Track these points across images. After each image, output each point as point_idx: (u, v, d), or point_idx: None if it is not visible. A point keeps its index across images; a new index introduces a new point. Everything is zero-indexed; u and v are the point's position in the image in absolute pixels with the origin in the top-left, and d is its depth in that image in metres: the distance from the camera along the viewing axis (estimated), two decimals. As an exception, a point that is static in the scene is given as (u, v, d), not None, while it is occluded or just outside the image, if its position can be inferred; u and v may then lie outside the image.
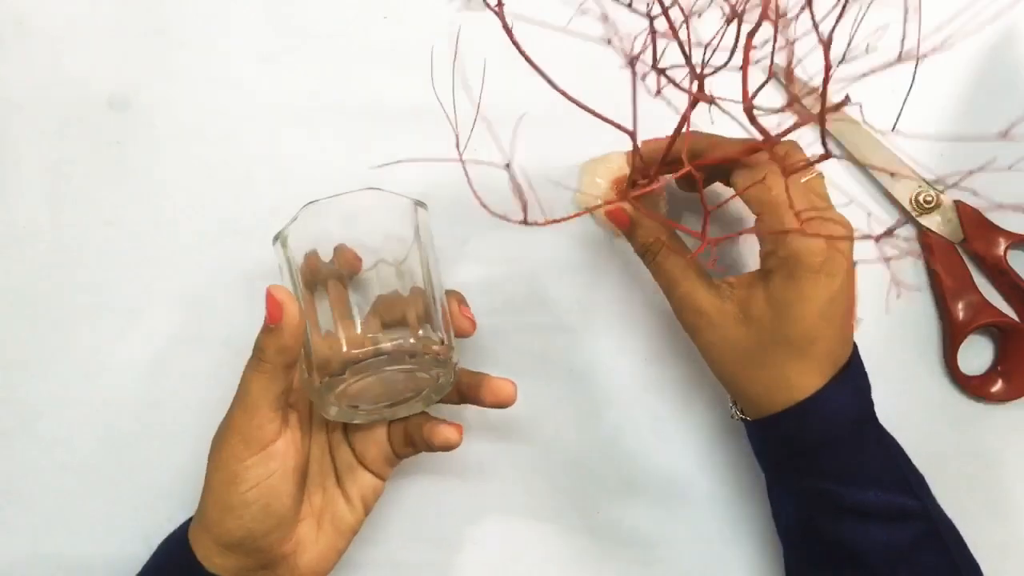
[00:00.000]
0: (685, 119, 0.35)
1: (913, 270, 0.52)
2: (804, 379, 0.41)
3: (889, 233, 0.32)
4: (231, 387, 0.52)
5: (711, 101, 0.33)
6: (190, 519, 0.44)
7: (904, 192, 0.51)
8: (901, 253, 0.33)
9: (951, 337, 0.51)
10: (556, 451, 0.52)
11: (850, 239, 0.40)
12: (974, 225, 0.51)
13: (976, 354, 0.52)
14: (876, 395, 0.52)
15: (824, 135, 0.31)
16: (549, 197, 0.50)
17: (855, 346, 0.43)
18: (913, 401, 0.52)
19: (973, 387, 0.51)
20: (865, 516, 0.41)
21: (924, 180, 0.52)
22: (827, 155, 0.32)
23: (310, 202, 0.42)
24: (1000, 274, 0.51)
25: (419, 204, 0.44)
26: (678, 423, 0.52)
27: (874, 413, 0.43)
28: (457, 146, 0.36)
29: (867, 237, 0.32)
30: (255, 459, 0.41)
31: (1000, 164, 0.52)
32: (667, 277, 0.44)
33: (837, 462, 0.41)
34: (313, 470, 0.45)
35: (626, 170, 0.48)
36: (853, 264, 0.40)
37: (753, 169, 0.41)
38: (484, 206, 0.34)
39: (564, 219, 0.37)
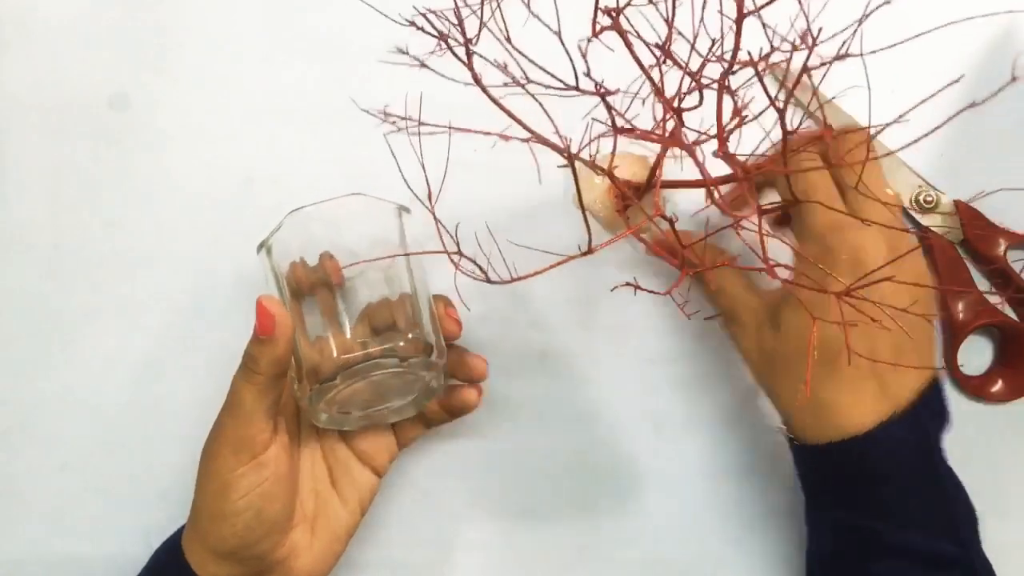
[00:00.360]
0: (658, 163, 0.35)
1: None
2: (834, 396, 0.40)
3: (848, 292, 0.32)
4: (229, 386, 0.52)
5: (684, 147, 0.32)
6: (183, 527, 0.44)
7: (904, 192, 0.51)
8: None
9: (951, 337, 0.51)
10: (557, 451, 0.52)
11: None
12: (974, 225, 0.51)
13: (976, 354, 0.52)
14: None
15: (789, 184, 0.32)
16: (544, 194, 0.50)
17: (937, 382, 0.42)
18: (913, 401, 0.52)
19: (973, 387, 0.51)
20: (902, 558, 0.40)
21: (924, 180, 0.52)
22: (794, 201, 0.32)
23: (294, 209, 0.42)
24: (1000, 274, 0.51)
25: (403, 208, 0.44)
26: (680, 423, 0.52)
27: (937, 450, 0.42)
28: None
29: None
30: (246, 468, 0.40)
31: (999, 162, 0.53)
32: (715, 285, 0.45)
33: (883, 500, 0.40)
34: (304, 474, 0.45)
35: (624, 171, 0.48)
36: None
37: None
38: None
39: (610, 241, 0.37)
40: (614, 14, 0.29)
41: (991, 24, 0.53)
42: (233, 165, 0.53)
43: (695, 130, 0.35)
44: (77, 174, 0.53)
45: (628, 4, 0.30)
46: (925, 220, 0.51)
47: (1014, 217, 0.51)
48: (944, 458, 0.42)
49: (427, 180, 0.36)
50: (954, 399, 0.52)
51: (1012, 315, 0.51)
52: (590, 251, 0.33)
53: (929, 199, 0.51)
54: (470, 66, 0.32)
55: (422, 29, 0.32)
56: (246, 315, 0.52)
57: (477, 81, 0.32)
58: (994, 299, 0.51)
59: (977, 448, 0.51)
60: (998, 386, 0.51)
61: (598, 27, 0.30)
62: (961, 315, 0.50)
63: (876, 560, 0.40)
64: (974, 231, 0.51)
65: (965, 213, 0.51)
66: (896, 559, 0.40)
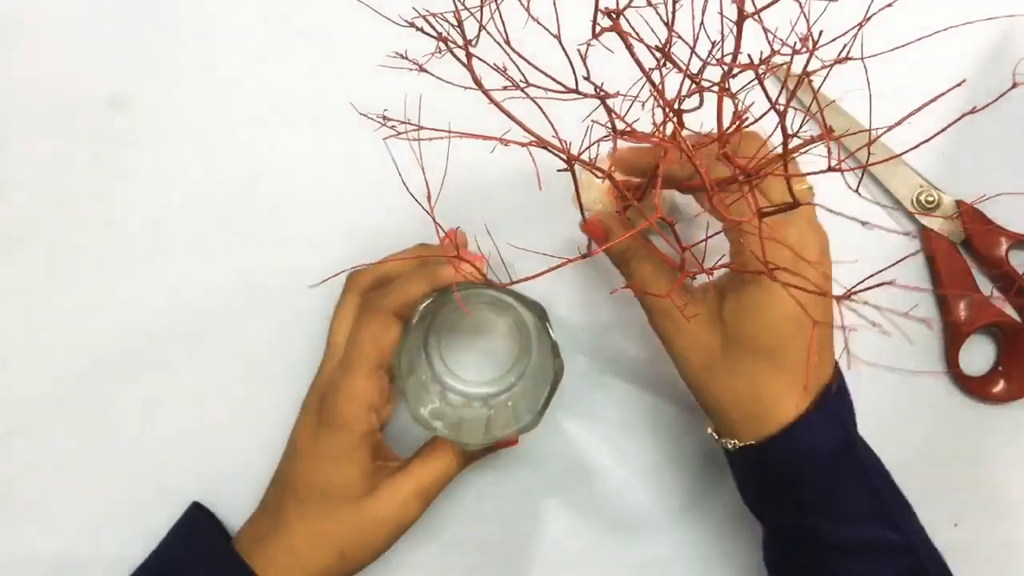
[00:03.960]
0: (657, 165, 0.34)
1: (915, 270, 0.52)
2: (778, 391, 0.39)
3: (848, 295, 0.32)
4: (230, 386, 0.52)
5: (684, 150, 0.32)
6: (215, 537, 0.45)
7: (905, 192, 0.51)
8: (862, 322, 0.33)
9: (952, 337, 0.51)
10: (559, 451, 0.52)
11: (823, 294, 0.38)
12: (975, 225, 0.51)
13: (977, 354, 0.52)
14: (879, 396, 0.52)
15: (791, 187, 0.31)
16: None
17: (840, 373, 0.42)
18: (914, 402, 0.52)
19: (974, 387, 0.51)
20: (848, 552, 0.40)
21: (925, 180, 0.51)
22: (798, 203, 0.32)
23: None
24: (1002, 274, 0.51)
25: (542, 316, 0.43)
26: (678, 422, 0.52)
27: (857, 441, 0.42)
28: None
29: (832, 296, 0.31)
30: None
31: (1000, 162, 0.53)
32: (639, 282, 0.42)
33: (817, 496, 0.40)
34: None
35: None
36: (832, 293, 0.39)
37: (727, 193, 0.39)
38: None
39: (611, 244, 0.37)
40: (614, 15, 0.29)
41: (992, 26, 0.53)
42: (233, 165, 0.53)
43: (694, 131, 0.34)
44: (77, 174, 0.53)
45: (628, 5, 0.29)
46: (926, 220, 0.51)
47: (1015, 217, 0.51)
48: (868, 448, 0.42)
49: (427, 182, 0.36)
50: (956, 399, 0.52)
51: (1014, 315, 0.51)
52: (589, 254, 0.33)
53: (930, 199, 0.51)
54: (470, 68, 0.32)
55: (421, 30, 0.32)
56: (245, 314, 0.52)
57: (478, 83, 0.32)
58: (996, 299, 0.51)
59: (978, 448, 0.51)
60: (1000, 386, 0.51)
61: (598, 29, 0.29)
62: (962, 315, 0.50)
63: (825, 557, 0.40)
64: (975, 231, 0.51)
65: (966, 213, 0.51)
66: (842, 553, 0.40)
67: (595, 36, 0.30)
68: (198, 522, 0.47)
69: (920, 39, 0.36)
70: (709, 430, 0.44)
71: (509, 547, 0.52)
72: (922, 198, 0.51)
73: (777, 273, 0.34)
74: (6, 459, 0.51)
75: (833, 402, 0.40)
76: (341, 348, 0.44)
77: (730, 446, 0.41)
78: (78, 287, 0.52)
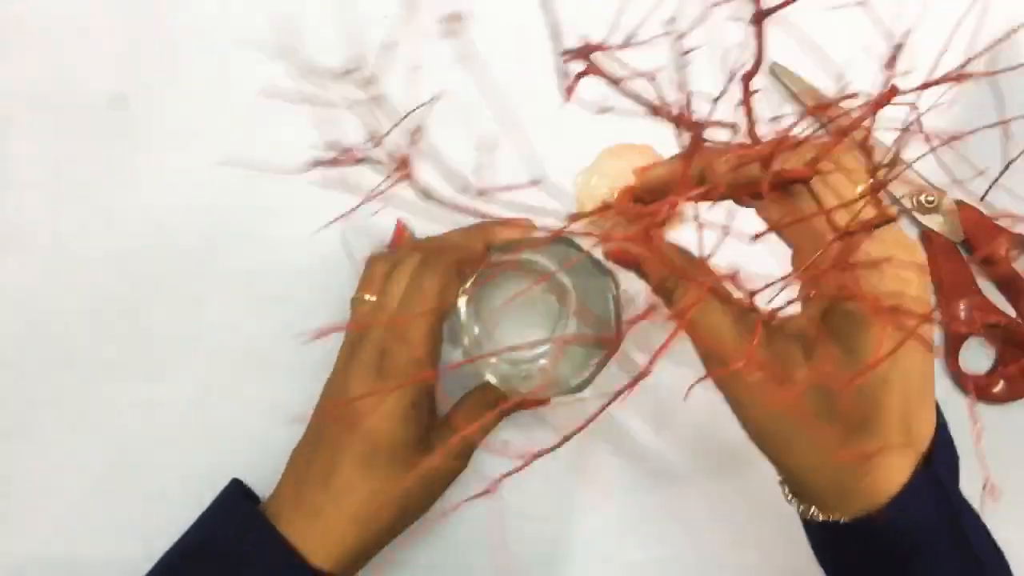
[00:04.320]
0: (687, 161, 0.28)
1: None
2: (877, 457, 0.32)
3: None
4: (229, 386, 0.52)
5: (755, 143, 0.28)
6: (250, 515, 0.43)
7: (905, 192, 0.51)
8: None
9: (952, 337, 0.51)
10: (560, 451, 0.52)
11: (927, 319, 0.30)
12: (975, 225, 0.51)
13: (977, 354, 0.52)
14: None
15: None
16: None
17: (941, 418, 0.35)
18: (914, 401, 0.51)
19: (974, 388, 0.51)
20: None
21: (925, 180, 0.51)
22: (891, 217, 0.27)
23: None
24: (1001, 274, 0.51)
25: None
26: (679, 419, 0.52)
27: (957, 495, 0.35)
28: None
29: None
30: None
31: (1001, 164, 0.53)
32: (689, 320, 0.34)
33: (921, 572, 0.33)
34: None
35: (624, 170, 0.46)
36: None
37: (791, 199, 0.33)
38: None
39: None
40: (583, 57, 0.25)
41: (990, 24, 0.53)
42: (233, 165, 0.53)
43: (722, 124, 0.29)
44: (77, 173, 0.53)
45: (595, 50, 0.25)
46: (926, 220, 0.51)
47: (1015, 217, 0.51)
48: (964, 501, 0.35)
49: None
50: (955, 400, 0.52)
51: (1014, 315, 0.51)
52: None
53: (930, 199, 0.51)
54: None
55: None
56: (245, 314, 0.52)
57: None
58: (995, 299, 0.51)
59: (977, 448, 0.51)
60: (1000, 387, 0.51)
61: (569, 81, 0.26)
62: (962, 315, 0.50)
63: None
64: (975, 231, 0.51)
65: (966, 213, 0.51)
66: None
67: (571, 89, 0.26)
68: (238, 502, 0.45)
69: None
70: (786, 489, 0.36)
71: (509, 548, 0.51)
72: (922, 198, 0.51)
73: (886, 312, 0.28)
74: (6, 459, 0.51)
75: (939, 460, 0.34)
76: (395, 303, 0.43)
77: (813, 515, 0.34)
78: (78, 287, 0.52)
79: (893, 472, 0.32)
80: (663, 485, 0.51)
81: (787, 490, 0.36)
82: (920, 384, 0.33)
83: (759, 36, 0.26)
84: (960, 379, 0.51)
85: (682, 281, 0.35)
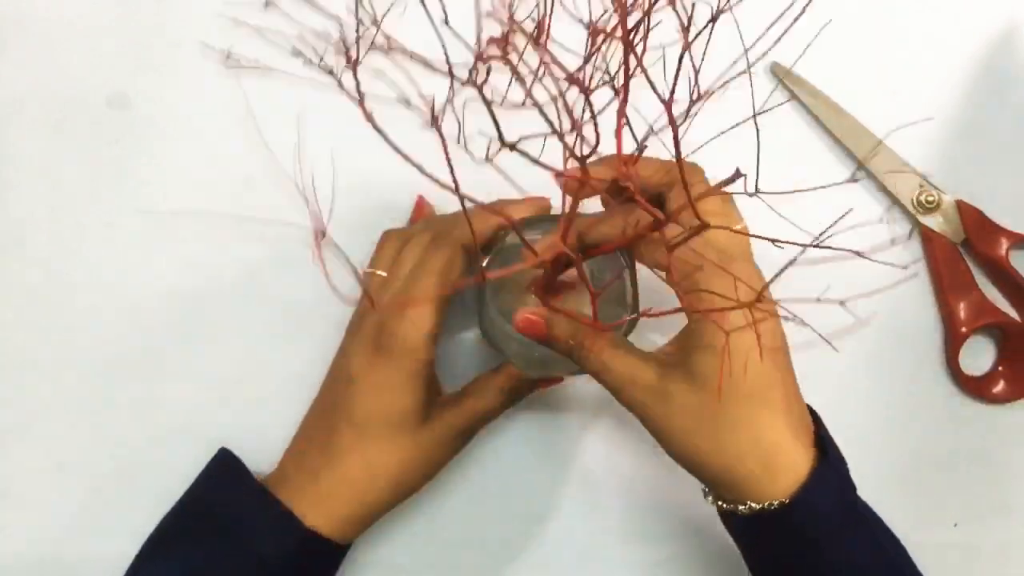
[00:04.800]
0: (570, 216, 0.32)
1: (915, 270, 0.52)
2: (782, 438, 0.36)
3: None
4: (229, 386, 0.52)
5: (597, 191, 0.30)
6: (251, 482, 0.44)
7: (905, 192, 0.51)
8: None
9: (952, 337, 0.51)
10: (559, 451, 0.52)
11: (773, 314, 0.36)
12: (975, 225, 0.51)
13: (978, 354, 0.52)
14: (879, 396, 0.52)
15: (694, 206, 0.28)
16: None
17: (816, 414, 0.39)
18: (914, 402, 0.52)
19: (974, 387, 0.51)
20: None
21: (925, 179, 0.51)
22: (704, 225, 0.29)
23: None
24: (1002, 274, 0.51)
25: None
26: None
27: (852, 485, 0.39)
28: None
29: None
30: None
31: (1000, 161, 0.53)
32: (597, 364, 0.38)
33: (838, 558, 0.37)
34: None
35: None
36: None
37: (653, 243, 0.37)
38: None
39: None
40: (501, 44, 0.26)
41: (991, 25, 0.53)
42: (233, 165, 0.53)
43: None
44: (76, 173, 0.53)
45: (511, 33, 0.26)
46: (926, 220, 0.51)
47: (1016, 217, 0.51)
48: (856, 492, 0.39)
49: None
50: (956, 399, 0.52)
51: (1014, 315, 0.51)
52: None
53: (930, 199, 0.51)
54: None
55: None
56: (245, 313, 0.52)
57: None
58: (995, 299, 0.51)
59: (979, 449, 0.51)
60: (1000, 386, 0.51)
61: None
62: (962, 315, 0.50)
63: None
64: (975, 231, 0.51)
65: (966, 213, 0.51)
66: None
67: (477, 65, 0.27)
68: (229, 467, 0.47)
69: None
70: (710, 499, 0.40)
71: (509, 547, 0.52)
72: (922, 198, 0.51)
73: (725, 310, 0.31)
74: (6, 459, 0.51)
75: (832, 444, 0.38)
76: (402, 278, 0.44)
77: (742, 509, 0.37)
78: (78, 287, 0.52)
79: (801, 451, 0.36)
80: (663, 485, 0.51)
81: (706, 490, 0.40)
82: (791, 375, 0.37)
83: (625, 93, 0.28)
84: (960, 379, 0.51)
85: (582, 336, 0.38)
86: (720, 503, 0.39)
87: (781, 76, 0.52)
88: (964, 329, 0.50)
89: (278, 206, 0.52)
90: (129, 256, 0.52)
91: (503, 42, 0.26)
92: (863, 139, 0.51)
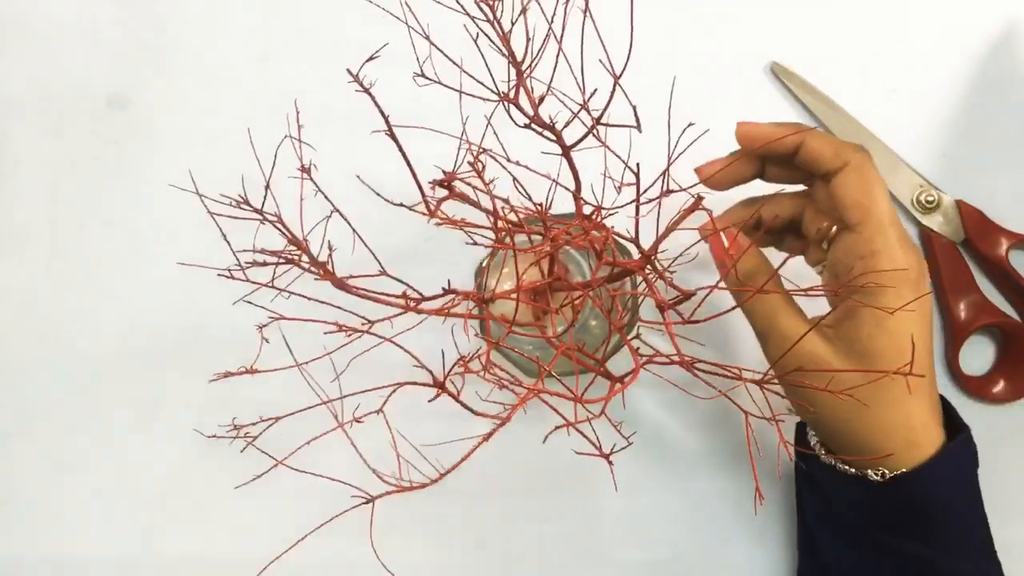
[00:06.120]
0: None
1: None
2: (927, 419, 0.39)
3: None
4: (230, 387, 0.52)
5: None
6: None
7: (905, 192, 0.51)
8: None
9: (952, 337, 0.51)
10: (558, 452, 0.52)
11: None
12: (976, 225, 0.51)
13: (977, 354, 0.52)
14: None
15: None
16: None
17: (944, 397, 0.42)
18: (914, 401, 0.51)
19: (974, 387, 0.51)
20: None
21: (925, 179, 0.51)
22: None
23: None
24: (1002, 274, 0.51)
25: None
26: (678, 418, 0.52)
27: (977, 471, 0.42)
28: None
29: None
30: None
31: (1000, 161, 0.53)
32: (764, 320, 0.40)
33: (950, 528, 0.39)
34: None
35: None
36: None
37: (858, 175, 0.39)
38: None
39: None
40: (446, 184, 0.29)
41: (991, 25, 0.53)
42: (232, 165, 0.53)
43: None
44: (76, 174, 0.53)
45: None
46: (926, 220, 0.51)
47: (1016, 217, 0.51)
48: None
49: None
50: (955, 400, 0.52)
51: (1014, 315, 0.51)
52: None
53: (930, 199, 0.51)
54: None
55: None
56: (246, 314, 0.52)
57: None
58: (995, 299, 0.51)
59: (979, 449, 0.51)
60: (1000, 386, 0.51)
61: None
62: (962, 315, 0.50)
63: None
64: (975, 231, 0.51)
65: (966, 213, 0.51)
66: None
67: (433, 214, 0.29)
68: None
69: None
70: (832, 461, 0.42)
71: (509, 547, 0.52)
72: (922, 198, 0.51)
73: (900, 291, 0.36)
74: (6, 459, 0.51)
75: (966, 428, 0.41)
76: None
77: (874, 476, 0.40)
78: (78, 287, 0.52)
79: (938, 431, 0.39)
80: (663, 484, 0.51)
81: (823, 451, 0.42)
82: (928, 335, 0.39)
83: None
84: (960, 379, 0.51)
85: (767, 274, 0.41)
86: (847, 467, 0.41)
87: (781, 76, 0.52)
88: (964, 329, 0.50)
89: (278, 206, 0.52)
90: (129, 256, 0.52)
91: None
92: (863, 139, 0.51)
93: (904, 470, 0.39)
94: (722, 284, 0.40)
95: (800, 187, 0.44)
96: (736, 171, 0.42)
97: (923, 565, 0.40)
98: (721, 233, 0.42)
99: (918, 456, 0.39)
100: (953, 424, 0.41)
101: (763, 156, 0.42)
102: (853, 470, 0.41)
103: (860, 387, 0.36)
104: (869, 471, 0.40)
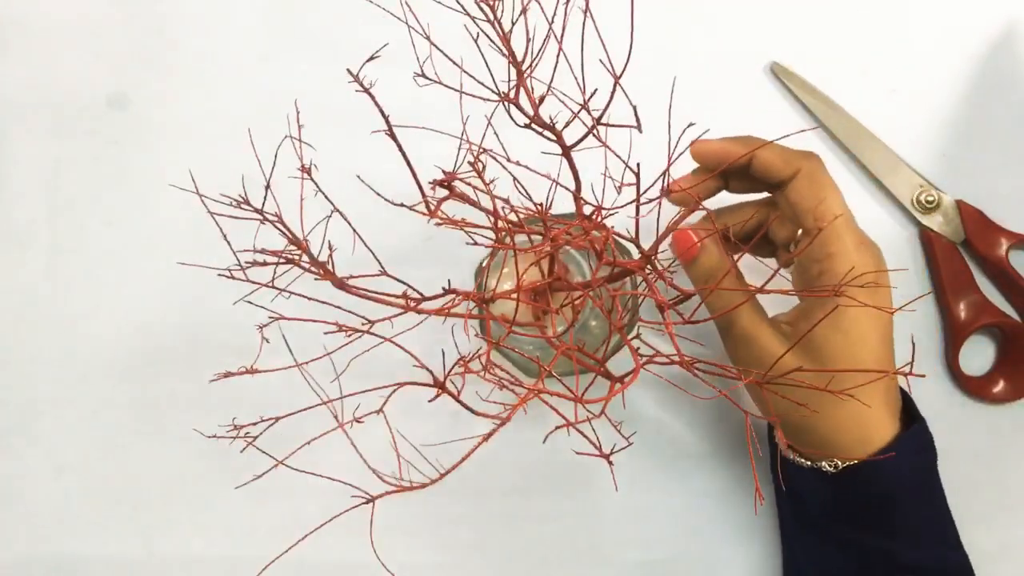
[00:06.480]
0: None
1: (915, 270, 0.52)
2: (881, 414, 0.40)
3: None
4: (230, 387, 0.52)
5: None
6: None
7: (905, 192, 0.51)
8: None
9: (952, 337, 0.51)
10: (558, 452, 0.52)
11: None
12: (976, 225, 0.51)
13: (977, 354, 0.52)
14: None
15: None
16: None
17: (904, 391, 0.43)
18: (915, 401, 0.51)
19: (974, 387, 0.51)
20: (917, 574, 0.41)
21: (925, 179, 0.51)
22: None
23: None
24: (1002, 274, 0.51)
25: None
26: (678, 419, 0.52)
27: (935, 461, 0.43)
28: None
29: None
30: None
31: (1000, 161, 0.53)
32: (727, 317, 0.41)
33: (906, 518, 0.41)
34: None
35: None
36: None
37: (809, 181, 0.40)
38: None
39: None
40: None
41: (991, 25, 0.53)
42: (232, 165, 0.53)
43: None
44: (76, 173, 0.53)
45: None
46: (926, 220, 0.51)
47: (1016, 217, 0.51)
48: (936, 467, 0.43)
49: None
50: (956, 399, 0.52)
51: (1014, 315, 0.51)
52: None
53: (930, 199, 0.51)
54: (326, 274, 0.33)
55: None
56: (246, 314, 0.52)
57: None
58: (995, 299, 0.51)
59: (979, 449, 0.51)
60: (1000, 386, 0.51)
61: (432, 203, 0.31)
62: (962, 315, 0.50)
63: None
64: (975, 231, 0.51)
65: (966, 213, 0.51)
66: (911, 575, 0.40)
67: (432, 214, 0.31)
68: None
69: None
70: (791, 455, 0.43)
71: (509, 547, 0.52)
72: (922, 198, 0.51)
73: (853, 292, 0.35)
74: (7, 459, 0.51)
75: (920, 418, 0.42)
76: None
77: (828, 468, 0.41)
78: (78, 287, 0.52)
79: (891, 425, 0.40)
80: (662, 484, 0.51)
81: (801, 457, 0.43)
82: (887, 333, 0.41)
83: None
84: (960, 379, 0.51)
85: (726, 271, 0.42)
86: (803, 460, 0.42)
87: (781, 76, 0.52)
88: (964, 329, 0.50)
89: (277, 206, 0.52)
90: (129, 256, 0.52)
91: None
92: (863, 139, 0.51)
93: (854, 462, 0.40)
94: (722, 285, 0.40)
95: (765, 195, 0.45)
96: (701, 186, 0.43)
97: (883, 557, 0.41)
98: (691, 232, 0.43)
99: (870, 449, 0.40)
100: (911, 416, 0.42)
101: (721, 171, 0.43)
102: (809, 463, 0.42)
103: (813, 386, 0.36)
104: (824, 463, 0.41)
